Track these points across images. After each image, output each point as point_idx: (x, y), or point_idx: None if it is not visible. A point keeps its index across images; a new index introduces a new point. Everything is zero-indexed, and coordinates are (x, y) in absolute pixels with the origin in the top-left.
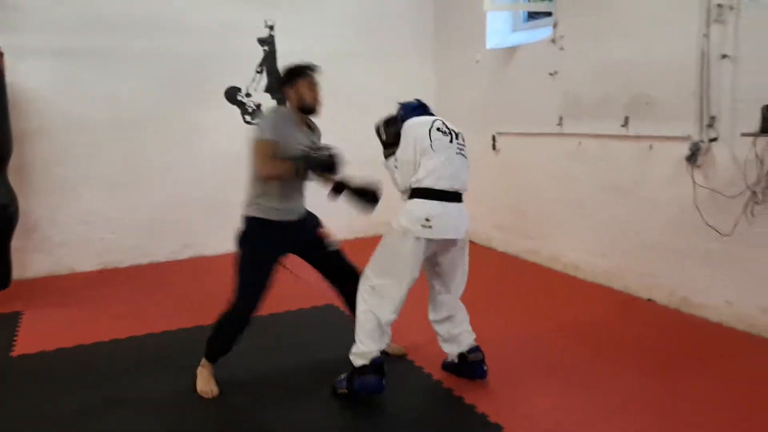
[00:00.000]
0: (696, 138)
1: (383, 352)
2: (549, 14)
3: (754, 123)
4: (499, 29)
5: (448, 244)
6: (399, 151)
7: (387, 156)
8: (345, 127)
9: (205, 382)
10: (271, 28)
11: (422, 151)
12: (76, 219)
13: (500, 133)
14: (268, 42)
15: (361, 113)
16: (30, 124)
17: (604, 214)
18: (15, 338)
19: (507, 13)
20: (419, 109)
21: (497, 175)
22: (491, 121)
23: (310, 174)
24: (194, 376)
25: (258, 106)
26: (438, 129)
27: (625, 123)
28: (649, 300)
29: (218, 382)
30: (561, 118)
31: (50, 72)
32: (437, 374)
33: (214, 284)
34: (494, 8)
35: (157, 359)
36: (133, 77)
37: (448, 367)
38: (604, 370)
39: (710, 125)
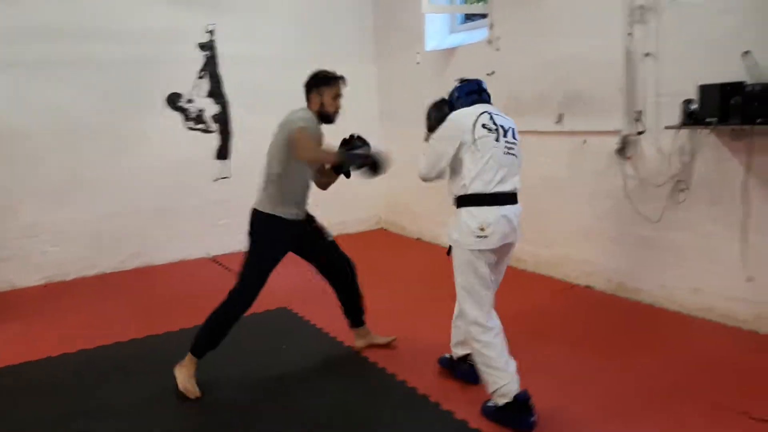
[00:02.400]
0: (625, 132)
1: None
2: (484, 16)
3: (676, 116)
4: (437, 31)
5: (506, 248)
6: (433, 138)
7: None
8: None
9: (187, 380)
10: (211, 33)
11: (464, 146)
12: (16, 233)
13: None
14: (208, 47)
15: None
16: None
17: (544, 207)
18: None
19: (444, 15)
20: (475, 93)
21: None
22: None
23: (350, 169)
24: (165, 378)
25: (201, 111)
26: (483, 125)
27: (560, 119)
28: (587, 287)
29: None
30: None
31: None
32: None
33: (165, 293)
34: (432, 10)
35: (109, 370)
36: (75, 86)
37: (443, 363)
38: (546, 353)
39: (637, 119)
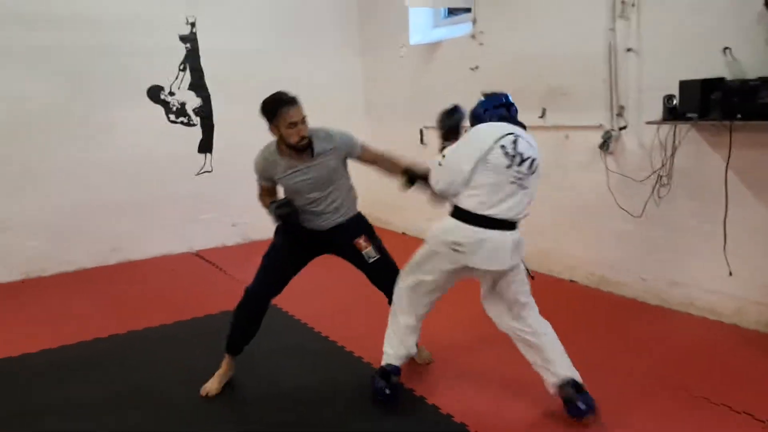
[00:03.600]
0: (607, 127)
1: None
2: (468, 10)
3: (658, 112)
4: (422, 25)
5: (495, 273)
6: (450, 150)
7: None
8: None
9: (212, 379)
10: (193, 25)
11: (477, 163)
12: None
13: (427, 127)
14: (190, 39)
15: None
16: None
17: None
18: None
19: (428, 9)
20: (503, 107)
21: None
22: (418, 115)
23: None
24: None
25: (183, 104)
26: (503, 146)
27: (543, 114)
28: (571, 281)
29: (229, 384)
30: None
31: None
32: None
33: (146, 288)
34: (416, 4)
35: (87, 366)
36: (45, 75)
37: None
38: None
39: (620, 114)
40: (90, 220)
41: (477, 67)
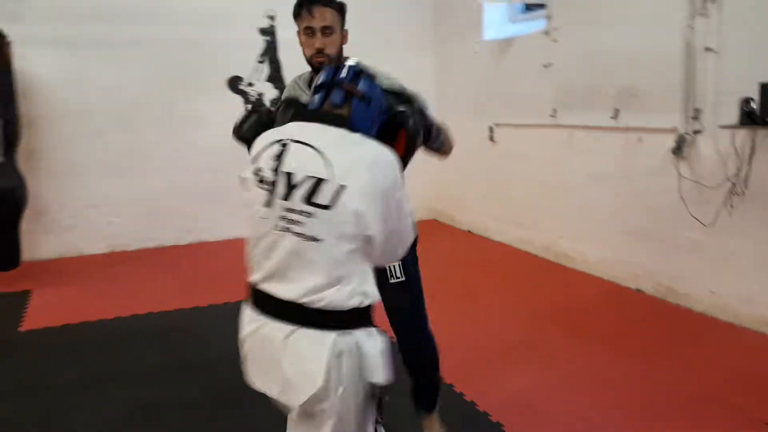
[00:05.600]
0: (681, 130)
1: None
2: (543, 6)
3: (734, 115)
4: (496, 21)
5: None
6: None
7: None
8: None
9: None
10: (272, 18)
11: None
12: (83, 203)
13: (497, 124)
14: (269, 32)
15: None
16: (38, 110)
17: (595, 205)
18: (24, 315)
19: (504, 4)
20: (322, 91)
21: (494, 166)
22: (489, 111)
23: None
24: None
25: (260, 95)
26: (258, 171)
27: (615, 115)
28: (637, 290)
29: None
30: (555, 110)
31: (56, 61)
32: None
33: (213, 268)
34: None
35: (152, 336)
36: (135, 66)
37: None
38: (584, 355)
39: (695, 117)
40: (170, 203)
41: (550, 64)
